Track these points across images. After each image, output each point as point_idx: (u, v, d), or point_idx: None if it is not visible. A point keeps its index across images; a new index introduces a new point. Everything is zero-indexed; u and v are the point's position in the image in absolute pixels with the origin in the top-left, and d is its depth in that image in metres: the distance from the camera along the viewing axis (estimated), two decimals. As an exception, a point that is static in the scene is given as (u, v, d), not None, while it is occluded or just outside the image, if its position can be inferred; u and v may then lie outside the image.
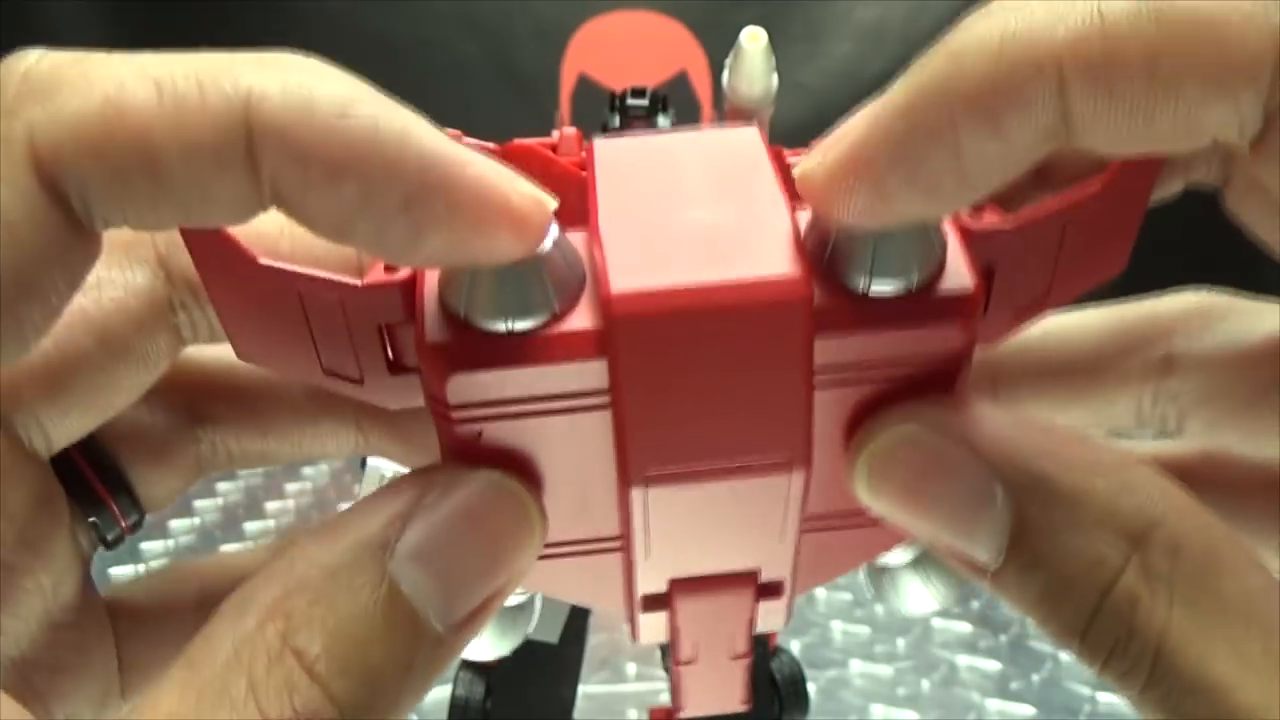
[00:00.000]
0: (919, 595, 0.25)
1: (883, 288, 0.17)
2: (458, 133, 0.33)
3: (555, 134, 0.34)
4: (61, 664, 0.20)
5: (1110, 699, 0.62)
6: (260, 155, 0.16)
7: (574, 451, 0.19)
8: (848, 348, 0.17)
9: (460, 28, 1.91)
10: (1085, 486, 0.15)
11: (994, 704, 0.62)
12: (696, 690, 0.22)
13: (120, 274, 0.21)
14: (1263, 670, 0.14)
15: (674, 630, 0.22)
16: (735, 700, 0.23)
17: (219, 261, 0.19)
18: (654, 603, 0.21)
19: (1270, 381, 0.19)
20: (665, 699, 0.41)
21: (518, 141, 0.34)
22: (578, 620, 0.37)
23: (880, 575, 0.26)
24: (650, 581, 0.21)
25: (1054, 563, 0.15)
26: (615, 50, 1.88)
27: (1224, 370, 0.20)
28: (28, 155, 0.15)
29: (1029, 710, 0.62)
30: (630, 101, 0.33)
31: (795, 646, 0.68)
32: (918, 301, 0.17)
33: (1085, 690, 0.63)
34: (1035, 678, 0.65)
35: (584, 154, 0.34)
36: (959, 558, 0.16)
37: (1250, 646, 0.14)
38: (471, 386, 0.18)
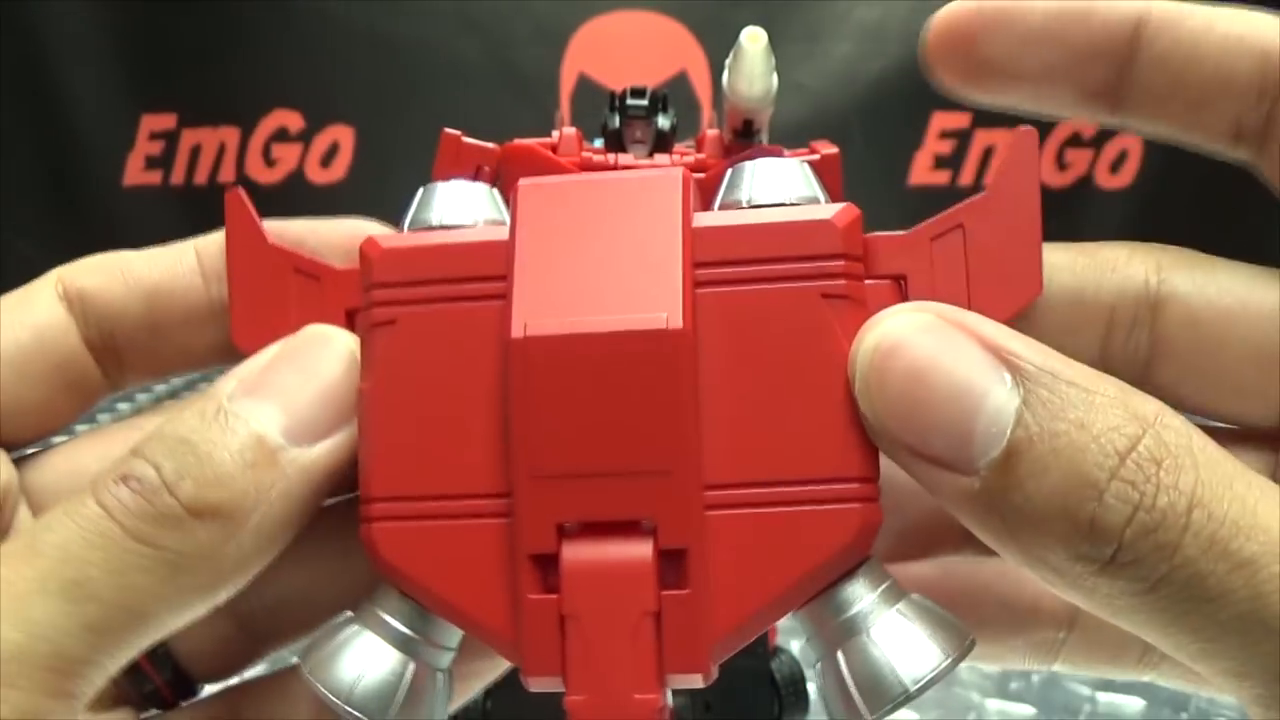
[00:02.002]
0: (913, 647, 0.18)
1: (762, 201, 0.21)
2: (458, 133, 0.33)
3: (555, 134, 0.34)
4: None
5: (1110, 699, 0.62)
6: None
7: (463, 368, 0.21)
8: (731, 240, 0.20)
9: (460, 28, 1.91)
10: (1094, 379, 0.15)
11: (994, 704, 0.62)
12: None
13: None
14: None
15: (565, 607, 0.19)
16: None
17: (244, 238, 0.27)
18: (539, 576, 0.20)
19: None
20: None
21: (518, 141, 0.34)
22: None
23: (840, 652, 0.21)
24: (535, 533, 0.20)
25: (1071, 438, 0.14)
26: (615, 50, 1.89)
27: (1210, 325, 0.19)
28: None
29: (1029, 710, 0.62)
30: (630, 101, 0.33)
31: (795, 646, 0.68)
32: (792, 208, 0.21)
33: (1085, 690, 0.63)
34: (1035, 678, 0.65)
35: (585, 155, 0.34)
36: (947, 464, 0.15)
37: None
38: (395, 262, 0.23)
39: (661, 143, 0.34)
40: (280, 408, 0.20)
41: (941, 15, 0.19)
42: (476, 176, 0.34)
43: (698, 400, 0.19)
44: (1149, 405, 0.14)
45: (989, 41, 0.19)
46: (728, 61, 0.30)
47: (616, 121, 0.33)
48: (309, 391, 0.21)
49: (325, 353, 0.22)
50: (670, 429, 0.19)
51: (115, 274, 0.25)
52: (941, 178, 1.80)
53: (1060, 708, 0.62)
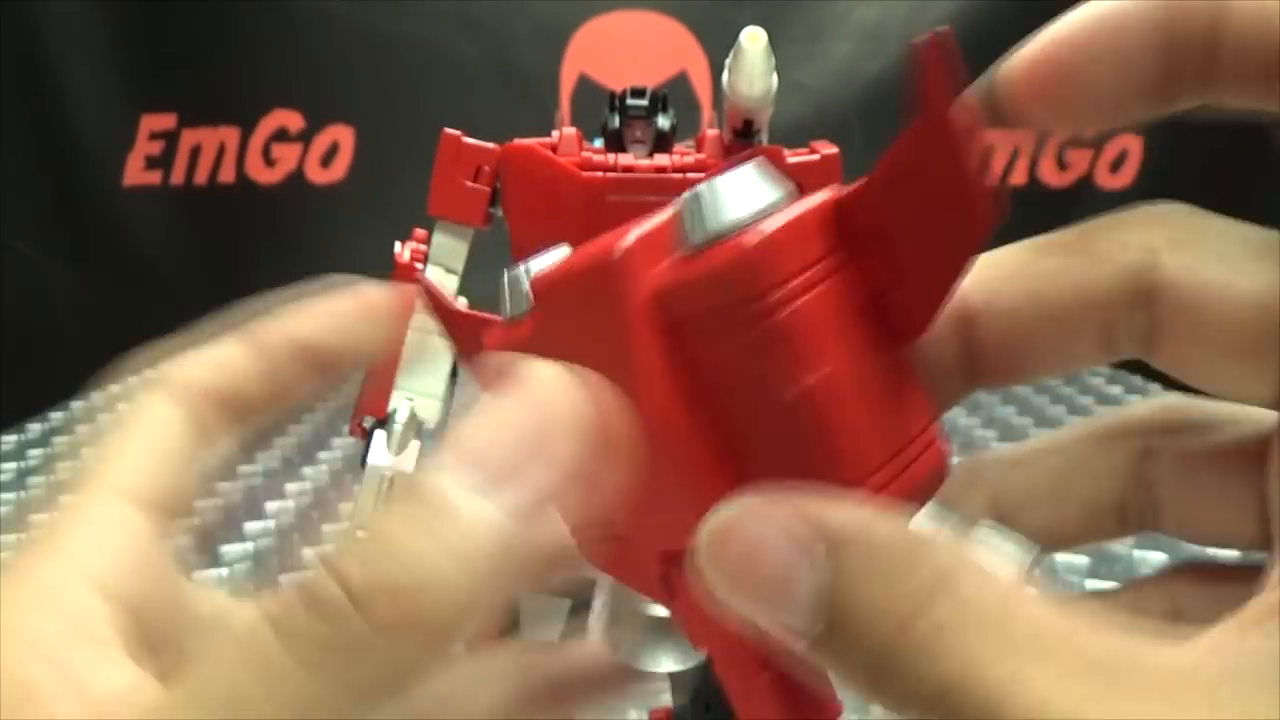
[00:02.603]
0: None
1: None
2: (457, 133, 0.33)
3: (555, 134, 0.34)
4: None
5: (1110, 699, 0.62)
6: None
7: None
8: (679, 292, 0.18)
9: (460, 28, 1.91)
10: (902, 541, 0.16)
11: (994, 704, 0.62)
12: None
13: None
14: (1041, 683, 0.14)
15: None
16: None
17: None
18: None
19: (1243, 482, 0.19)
20: (665, 699, 0.41)
21: (518, 141, 0.34)
22: (578, 619, 0.37)
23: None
24: None
25: (877, 606, 0.15)
26: (615, 50, 1.89)
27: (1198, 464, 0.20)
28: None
29: (1029, 710, 0.62)
30: (630, 101, 0.34)
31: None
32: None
33: (1085, 690, 0.63)
34: (1035, 678, 0.65)
35: (585, 154, 0.34)
36: (784, 629, 0.16)
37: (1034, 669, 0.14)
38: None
39: (661, 143, 0.34)
40: (517, 496, 0.16)
41: (1025, 57, 0.20)
42: (476, 177, 0.34)
43: None
44: (942, 557, 0.15)
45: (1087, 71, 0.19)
46: (728, 62, 0.30)
47: (616, 121, 0.34)
48: (555, 474, 0.16)
49: (572, 417, 0.17)
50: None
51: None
52: (941, 178, 1.80)
53: (1060, 708, 0.62)
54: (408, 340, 0.36)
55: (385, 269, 0.38)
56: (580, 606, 0.34)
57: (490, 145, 0.34)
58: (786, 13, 1.69)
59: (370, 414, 0.36)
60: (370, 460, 0.35)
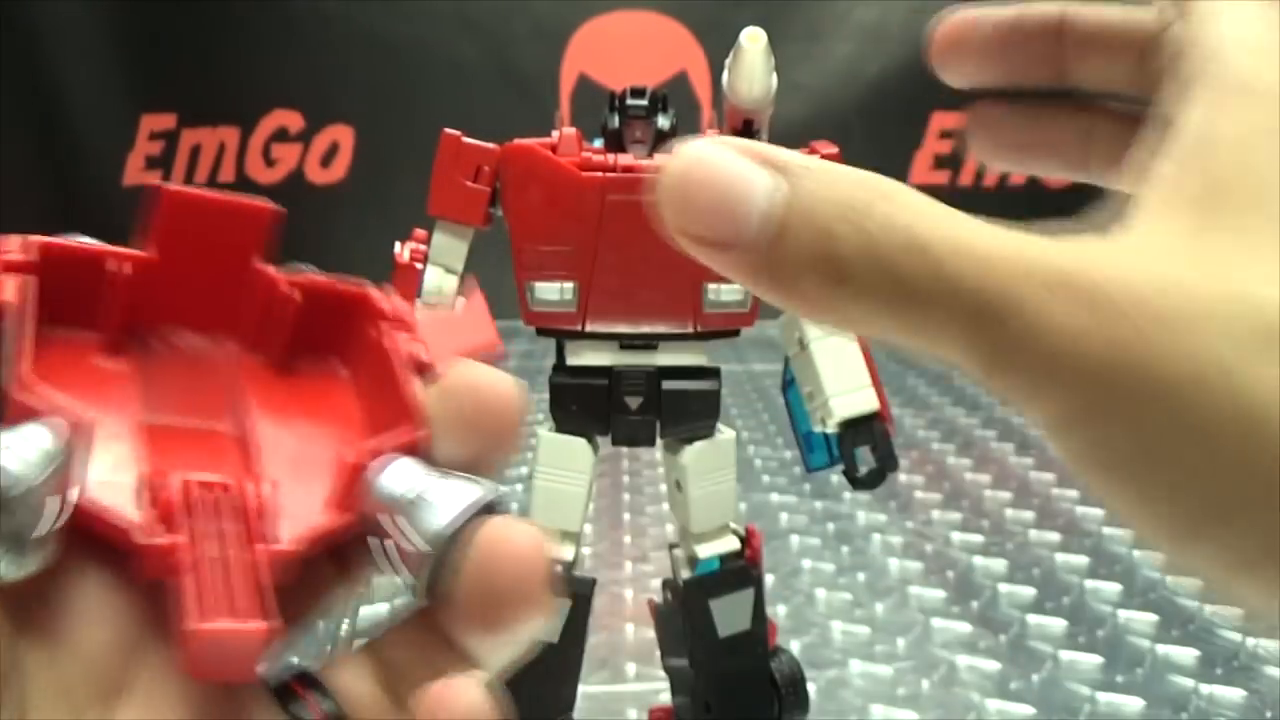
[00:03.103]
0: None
1: None
2: (457, 134, 0.33)
3: (555, 134, 0.34)
4: None
5: (1110, 698, 0.62)
6: None
7: None
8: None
9: (460, 28, 1.91)
10: (838, 167, 0.18)
11: (994, 704, 0.62)
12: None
13: None
14: None
15: None
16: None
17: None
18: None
19: None
20: (665, 698, 0.41)
21: (517, 142, 0.34)
22: (577, 620, 0.37)
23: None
24: None
25: (822, 206, 0.18)
26: (615, 50, 1.89)
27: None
28: None
29: (1029, 710, 0.62)
30: (630, 101, 0.34)
31: (795, 646, 0.68)
32: None
33: (1085, 690, 0.63)
34: (1035, 678, 0.65)
35: (585, 155, 0.34)
36: (730, 245, 0.18)
37: None
38: None
39: (661, 142, 0.34)
40: None
41: (940, 26, 0.26)
42: (476, 177, 0.34)
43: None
44: (886, 182, 0.18)
45: (970, 40, 0.26)
46: (727, 62, 0.30)
47: (616, 121, 0.33)
48: None
49: None
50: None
51: None
52: (941, 177, 1.80)
53: (1060, 708, 0.62)
54: None
55: (385, 269, 0.38)
56: None
57: (490, 145, 0.34)
58: (786, 13, 1.69)
59: None
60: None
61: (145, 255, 0.20)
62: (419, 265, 0.36)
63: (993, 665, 0.67)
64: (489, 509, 0.19)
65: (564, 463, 0.37)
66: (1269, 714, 0.60)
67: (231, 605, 0.17)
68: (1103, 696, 0.63)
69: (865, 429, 0.36)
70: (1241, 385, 0.17)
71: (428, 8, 1.88)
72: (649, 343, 0.36)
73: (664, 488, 0.47)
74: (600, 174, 0.33)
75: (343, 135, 1.89)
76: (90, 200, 1.86)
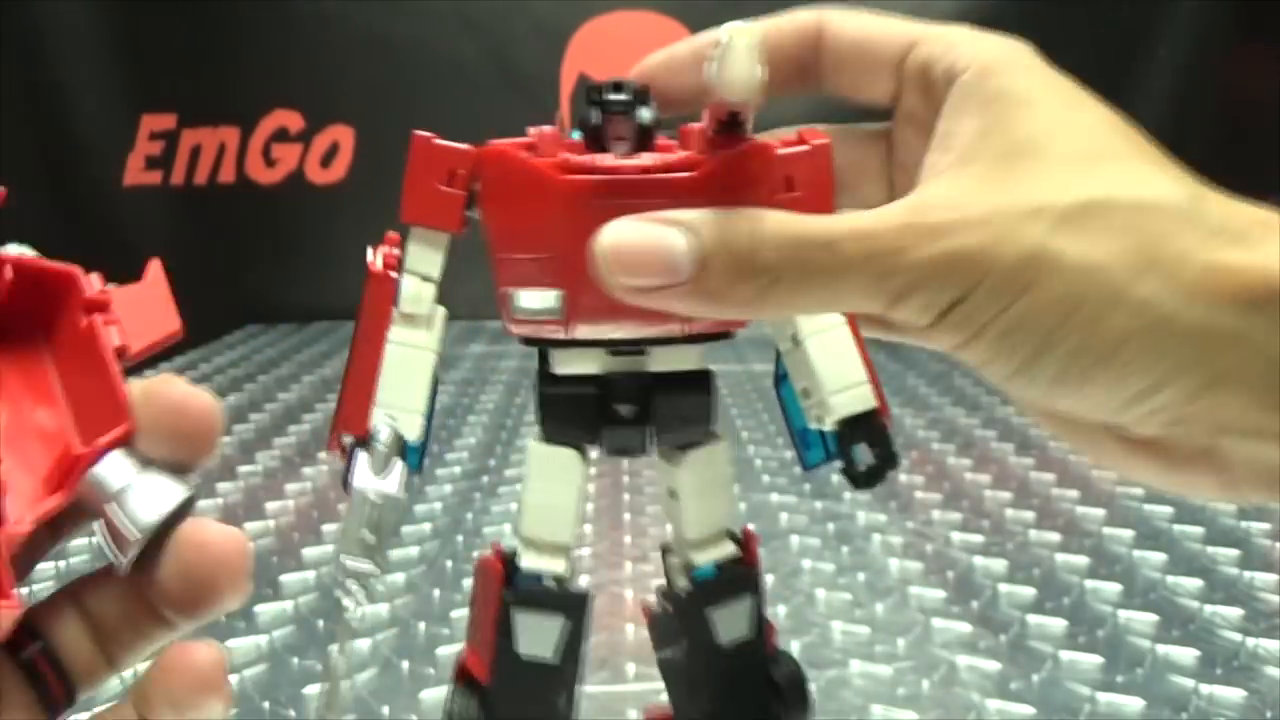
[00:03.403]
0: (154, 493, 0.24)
1: None
2: (429, 135, 0.32)
3: (531, 131, 0.32)
4: None
5: (1110, 698, 0.62)
6: None
7: None
8: None
9: (460, 28, 1.91)
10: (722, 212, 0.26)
11: (994, 704, 0.62)
12: None
13: None
14: None
15: None
16: None
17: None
18: None
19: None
20: (664, 698, 0.41)
21: (493, 144, 0.32)
22: (572, 638, 0.37)
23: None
24: None
25: (725, 243, 0.25)
26: (615, 50, 1.89)
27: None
28: None
29: (1029, 710, 0.62)
30: (610, 97, 0.32)
31: (795, 647, 0.68)
32: None
33: (1085, 690, 0.63)
34: (1035, 678, 0.65)
35: (563, 155, 0.32)
36: (670, 281, 0.25)
37: None
38: None
39: (644, 138, 0.31)
40: None
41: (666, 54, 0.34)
42: (451, 181, 0.32)
43: None
44: (753, 210, 0.26)
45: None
46: (713, 54, 0.29)
47: (597, 117, 0.31)
48: None
49: None
50: None
51: None
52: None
53: (1060, 708, 0.62)
54: (387, 353, 0.34)
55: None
56: None
57: (463, 147, 0.32)
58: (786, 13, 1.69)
59: (349, 431, 0.33)
60: (356, 483, 0.32)
61: None
62: (393, 274, 0.33)
63: (993, 665, 0.66)
64: (188, 504, 0.23)
65: (554, 474, 0.36)
66: (1269, 714, 0.60)
67: None
68: (1103, 696, 0.63)
69: (864, 426, 0.35)
70: (1057, 250, 0.24)
71: (428, 8, 1.88)
72: (638, 348, 0.35)
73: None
74: (582, 177, 0.31)
75: (343, 135, 1.89)
76: (90, 200, 1.86)
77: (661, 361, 0.35)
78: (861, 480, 0.36)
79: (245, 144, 1.91)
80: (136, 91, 1.88)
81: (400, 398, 0.34)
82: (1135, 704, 0.62)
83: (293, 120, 1.90)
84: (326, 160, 1.89)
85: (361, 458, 0.33)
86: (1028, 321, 0.25)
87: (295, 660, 0.67)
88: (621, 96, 0.32)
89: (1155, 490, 0.91)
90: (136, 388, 0.24)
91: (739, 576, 0.37)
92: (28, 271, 0.24)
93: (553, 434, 0.35)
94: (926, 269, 0.24)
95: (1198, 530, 0.88)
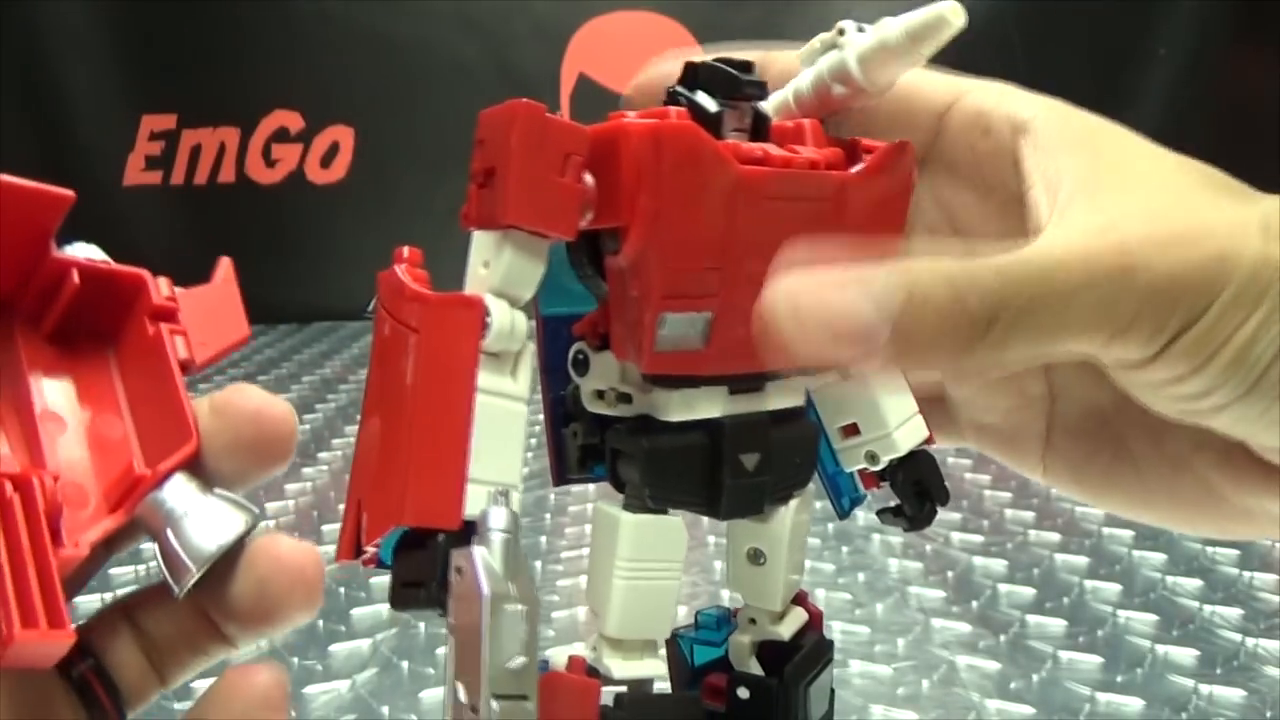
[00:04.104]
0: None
1: None
2: (541, 106, 0.22)
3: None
4: None
5: (1110, 699, 0.62)
6: None
7: None
8: None
9: (460, 28, 1.91)
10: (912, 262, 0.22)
11: (994, 704, 0.62)
12: None
13: None
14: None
15: None
16: None
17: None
18: None
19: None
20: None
21: (675, 119, 0.27)
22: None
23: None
24: None
25: (932, 305, 0.22)
26: (615, 50, 1.89)
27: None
28: None
29: (1029, 710, 0.62)
30: (747, 77, 0.26)
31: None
32: None
33: (1085, 690, 0.63)
34: (1035, 678, 0.65)
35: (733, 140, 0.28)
36: (861, 345, 0.22)
37: None
38: None
39: (761, 130, 0.26)
40: None
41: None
42: (564, 170, 0.24)
43: None
44: (938, 262, 0.22)
45: None
46: (867, 44, 0.26)
47: (714, 103, 0.25)
48: None
49: None
50: None
51: None
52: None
53: (1060, 708, 0.62)
54: (479, 408, 0.24)
55: (385, 267, 0.37)
56: None
57: (577, 125, 0.24)
58: (786, 13, 1.69)
59: (436, 523, 0.23)
60: (485, 591, 0.22)
61: None
62: (482, 299, 0.25)
63: (993, 665, 0.66)
64: (248, 532, 0.22)
65: (658, 552, 0.28)
66: (1269, 714, 0.60)
67: (38, 609, 0.20)
68: (1103, 696, 0.63)
69: (914, 461, 0.31)
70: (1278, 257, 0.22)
71: (428, 8, 1.88)
72: (755, 384, 0.28)
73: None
74: (759, 168, 0.25)
75: (343, 135, 1.89)
76: (90, 200, 1.85)
77: (776, 398, 0.28)
78: (921, 521, 0.32)
79: (245, 144, 1.91)
80: (136, 91, 1.88)
81: (500, 469, 0.24)
82: (1135, 704, 0.62)
83: (293, 120, 1.90)
84: (326, 160, 1.89)
85: (480, 558, 0.23)
86: (1262, 336, 0.22)
87: (295, 660, 0.67)
88: (756, 78, 0.26)
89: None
90: (207, 401, 0.23)
91: (820, 646, 0.32)
92: (95, 276, 0.23)
93: (657, 499, 0.27)
94: (1161, 286, 0.22)
95: (1197, 530, 0.88)
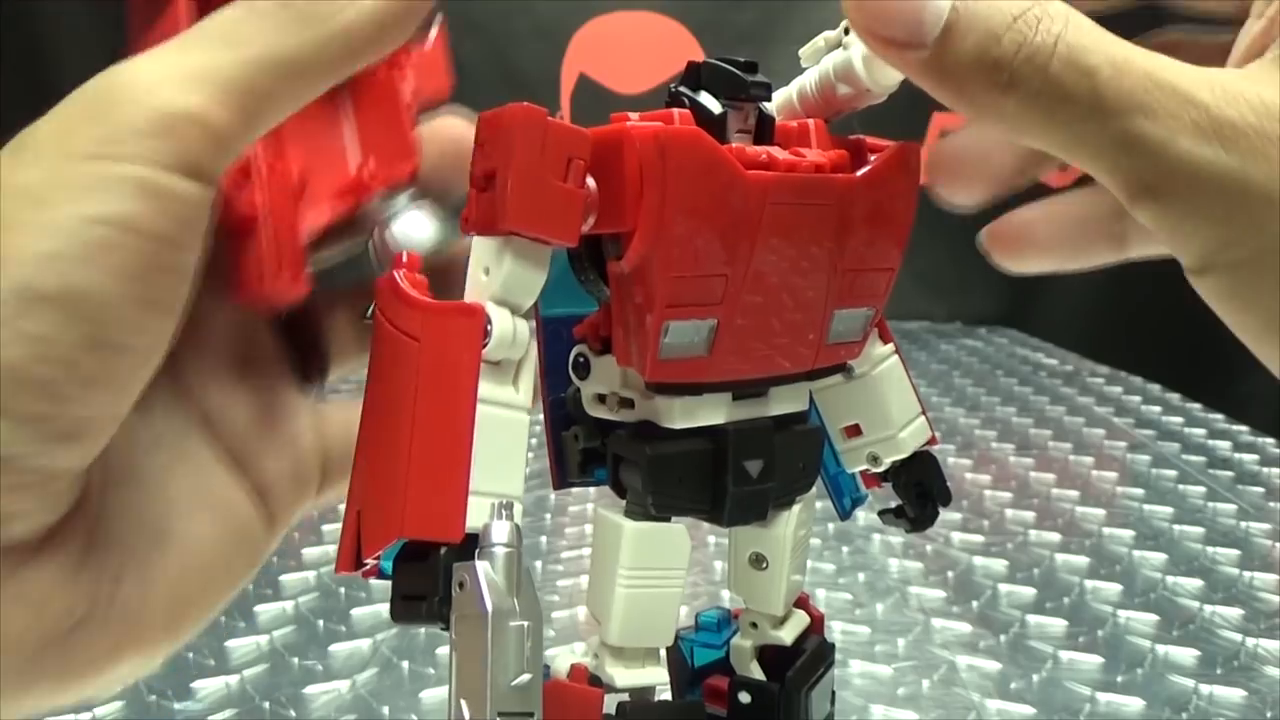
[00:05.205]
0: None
1: None
2: (542, 109, 0.23)
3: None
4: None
5: (1110, 699, 0.62)
6: None
7: None
8: None
9: (460, 28, 1.90)
10: None
11: (994, 704, 0.62)
12: None
13: None
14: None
15: None
16: None
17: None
18: None
19: None
20: (666, 698, 0.41)
21: (679, 123, 0.27)
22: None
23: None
24: None
25: (983, 12, 0.21)
26: (615, 50, 1.89)
27: None
28: None
29: (1029, 710, 0.62)
30: (753, 78, 0.26)
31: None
32: None
33: (1085, 690, 0.63)
34: (1035, 678, 0.65)
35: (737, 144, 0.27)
36: (906, 44, 0.21)
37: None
38: None
39: (765, 131, 0.26)
40: None
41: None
42: (566, 175, 0.24)
43: None
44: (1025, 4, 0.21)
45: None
46: (849, 45, 0.26)
47: (717, 104, 0.25)
48: None
49: None
50: None
51: None
52: (941, 178, 1.80)
53: (1060, 708, 0.62)
54: (480, 418, 0.23)
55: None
56: None
57: (579, 128, 0.24)
58: (786, 13, 1.69)
59: (435, 535, 0.23)
60: (489, 606, 0.21)
61: None
62: (484, 305, 0.25)
63: (993, 665, 0.67)
64: (446, 236, 0.29)
65: (661, 561, 0.27)
66: (1269, 714, 0.60)
67: (285, 260, 0.26)
68: (1103, 696, 0.63)
69: (916, 462, 0.31)
70: None
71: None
72: (759, 390, 0.28)
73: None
74: (765, 173, 0.24)
75: (343, 135, 1.89)
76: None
77: (780, 403, 0.28)
78: (922, 522, 0.32)
79: (245, 144, 1.91)
80: (137, 91, 1.88)
81: (502, 481, 0.24)
82: (1135, 704, 0.62)
83: (293, 120, 1.90)
84: (326, 160, 1.89)
85: (483, 573, 0.22)
86: None
87: (295, 660, 0.67)
88: (763, 78, 0.26)
89: (1156, 490, 0.90)
90: (424, 130, 0.30)
91: (822, 650, 0.32)
92: None
93: (660, 505, 0.27)
94: (1198, 198, 0.21)
95: (1198, 530, 0.88)
